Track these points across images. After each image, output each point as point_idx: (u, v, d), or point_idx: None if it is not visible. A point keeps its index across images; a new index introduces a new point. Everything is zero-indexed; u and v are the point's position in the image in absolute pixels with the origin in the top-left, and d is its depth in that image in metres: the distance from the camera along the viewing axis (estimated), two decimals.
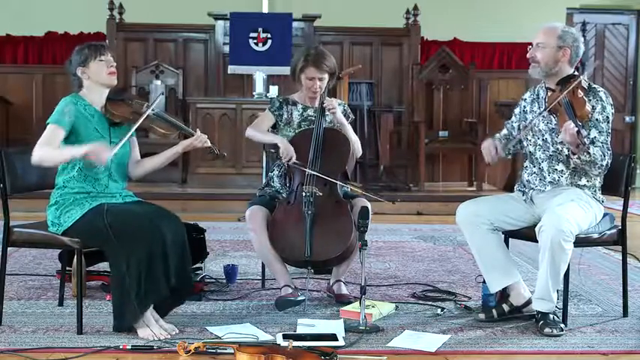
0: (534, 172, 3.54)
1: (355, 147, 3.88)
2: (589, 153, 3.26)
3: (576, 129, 3.17)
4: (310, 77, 3.85)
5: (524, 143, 3.59)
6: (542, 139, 3.50)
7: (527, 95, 3.67)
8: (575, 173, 3.45)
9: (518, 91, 9.19)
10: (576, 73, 3.51)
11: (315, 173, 3.69)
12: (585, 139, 3.21)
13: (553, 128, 3.44)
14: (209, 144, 3.48)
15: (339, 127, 3.90)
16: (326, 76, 3.87)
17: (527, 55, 3.53)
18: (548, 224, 3.22)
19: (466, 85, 8.89)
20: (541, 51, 3.47)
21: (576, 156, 3.30)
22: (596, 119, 3.38)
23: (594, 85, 3.48)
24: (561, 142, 3.41)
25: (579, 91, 3.34)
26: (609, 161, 3.36)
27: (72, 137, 3.26)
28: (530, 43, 3.54)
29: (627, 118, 10.08)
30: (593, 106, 3.37)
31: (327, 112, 3.84)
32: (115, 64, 3.37)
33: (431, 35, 9.41)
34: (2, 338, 3.14)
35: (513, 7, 9.77)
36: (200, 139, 3.44)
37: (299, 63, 3.88)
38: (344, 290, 3.79)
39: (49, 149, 3.18)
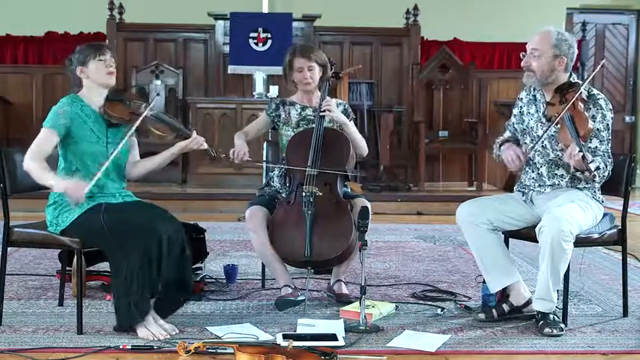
0: (533, 178, 3.54)
1: (361, 145, 3.88)
2: (594, 180, 3.25)
3: (581, 154, 3.12)
4: (299, 68, 3.86)
5: (523, 147, 3.56)
6: (542, 146, 3.48)
7: (523, 95, 3.64)
8: (575, 178, 3.44)
9: (518, 91, 9.15)
10: (574, 78, 3.47)
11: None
12: (591, 165, 3.14)
13: (552, 135, 3.42)
14: (205, 146, 3.48)
15: (340, 127, 3.90)
16: (315, 66, 3.86)
17: (522, 64, 3.45)
18: (549, 224, 3.21)
19: (466, 85, 8.90)
20: (536, 60, 3.40)
21: (580, 172, 3.31)
22: (597, 129, 3.35)
23: (594, 92, 3.43)
24: (561, 149, 3.39)
25: (580, 103, 3.29)
26: (610, 169, 3.35)
27: (67, 139, 3.27)
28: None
29: (627, 118, 10.09)
30: (593, 116, 3.33)
31: (323, 113, 3.81)
32: (114, 64, 3.37)
33: (431, 35, 9.41)
34: (2, 338, 3.14)
35: (513, 7, 9.78)
36: (196, 142, 3.44)
37: (287, 58, 3.91)
38: (344, 290, 3.79)
39: (36, 165, 3.17)
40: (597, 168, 3.22)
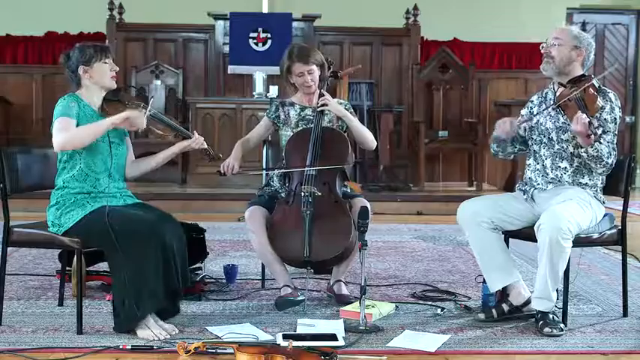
0: (537, 169, 3.55)
1: (367, 138, 3.88)
2: (598, 146, 3.28)
3: (588, 119, 3.20)
4: (299, 73, 3.86)
5: (529, 142, 3.60)
6: (548, 138, 3.51)
7: (534, 97, 3.69)
8: (578, 171, 3.46)
9: (518, 91, 9.21)
10: (587, 74, 3.53)
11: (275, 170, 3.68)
12: (597, 130, 3.23)
13: (560, 126, 3.45)
14: (205, 146, 3.49)
15: (339, 126, 3.90)
16: (314, 68, 3.86)
17: (542, 51, 3.52)
18: (547, 222, 3.22)
19: (466, 85, 8.90)
20: (557, 48, 3.48)
21: (584, 149, 3.32)
22: (605, 119, 3.39)
23: (604, 87, 3.50)
24: (567, 140, 3.42)
25: (590, 89, 3.36)
26: (614, 161, 3.37)
27: None
28: (536, 44, 3.55)
29: (627, 118, 10.09)
30: (602, 106, 3.38)
31: (323, 109, 3.83)
32: (117, 68, 3.38)
33: (431, 35, 9.41)
34: (2, 338, 3.14)
35: (513, 7, 9.77)
36: (197, 142, 3.45)
37: (285, 63, 3.90)
38: (344, 290, 3.79)
39: (72, 131, 3.14)
40: (604, 132, 3.31)
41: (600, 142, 3.32)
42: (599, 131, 3.28)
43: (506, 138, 3.57)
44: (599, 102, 3.33)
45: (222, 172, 3.77)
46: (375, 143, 3.97)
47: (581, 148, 3.33)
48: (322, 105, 3.81)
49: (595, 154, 3.31)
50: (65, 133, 3.14)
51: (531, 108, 3.65)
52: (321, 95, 3.88)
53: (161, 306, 3.21)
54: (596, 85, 3.43)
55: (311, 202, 3.62)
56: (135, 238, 3.09)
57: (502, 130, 3.52)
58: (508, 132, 3.51)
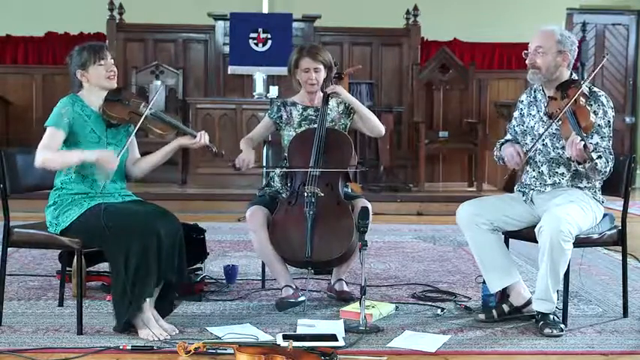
0: (534, 176, 3.54)
1: (375, 124, 3.88)
2: (596, 169, 3.25)
3: (583, 143, 3.14)
4: (305, 69, 3.86)
5: (524, 148, 3.56)
6: (542, 144, 3.48)
7: (523, 97, 3.66)
8: (577, 176, 3.44)
9: (518, 91, 9.20)
10: (575, 76, 3.50)
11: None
12: (592, 154, 3.16)
13: (554, 133, 3.43)
14: (207, 142, 3.49)
15: (341, 125, 3.90)
16: (321, 67, 3.87)
17: (527, 61, 3.47)
18: (548, 225, 3.21)
19: (466, 86, 8.90)
20: (541, 57, 3.42)
21: (581, 166, 3.29)
22: (598, 125, 3.35)
23: (595, 89, 3.45)
24: (562, 147, 3.40)
25: (582, 98, 3.30)
26: (612, 165, 3.35)
27: (69, 138, 3.28)
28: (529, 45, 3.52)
29: (627, 119, 10.08)
30: (594, 111, 3.34)
31: (331, 98, 3.85)
32: (114, 67, 3.37)
33: (431, 35, 9.41)
34: (2, 338, 3.14)
35: (513, 8, 9.77)
36: (199, 143, 3.44)
37: (294, 57, 3.92)
38: (345, 288, 3.79)
39: (52, 153, 3.20)
40: (599, 157, 3.24)
41: (596, 152, 3.26)
42: (595, 156, 3.20)
43: (521, 165, 3.51)
44: (592, 117, 3.26)
45: (237, 166, 3.77)
46: (384, 128, 3.97)
47: (579, 164, 3.30)
48: (332, 91, 3.82)
49: (592, 166, 3.26)
50: (46, 152, 3.19)
51: (522, 109, 3.63)
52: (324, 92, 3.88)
53: (159, 298, 3.20)
54: (586, 90, 3.36)
55: (314, 202, 3.62)
56: (128, 231, 3.10)
57: (516, 164, 3.45)
58: (519, 163, 3.46)
